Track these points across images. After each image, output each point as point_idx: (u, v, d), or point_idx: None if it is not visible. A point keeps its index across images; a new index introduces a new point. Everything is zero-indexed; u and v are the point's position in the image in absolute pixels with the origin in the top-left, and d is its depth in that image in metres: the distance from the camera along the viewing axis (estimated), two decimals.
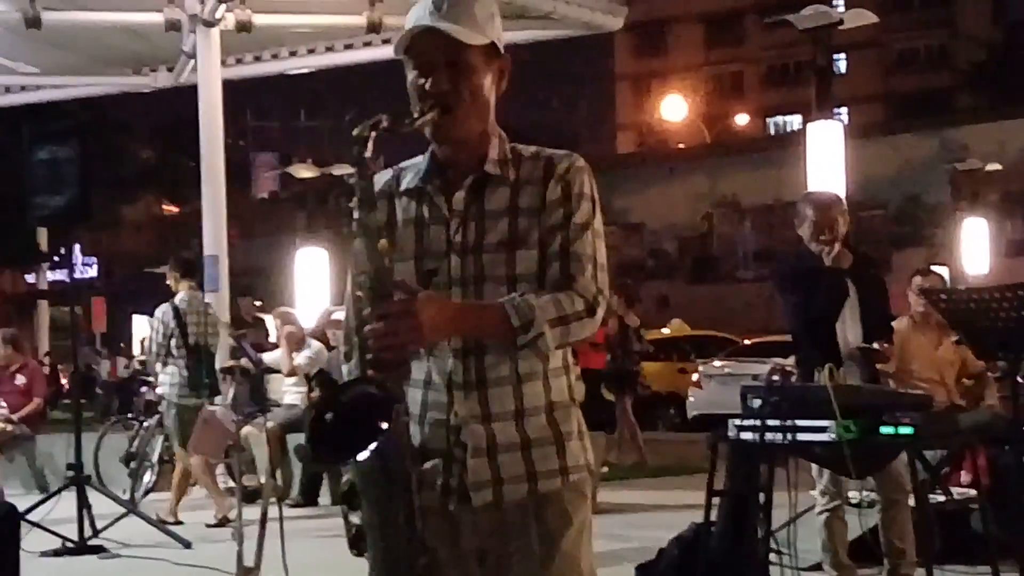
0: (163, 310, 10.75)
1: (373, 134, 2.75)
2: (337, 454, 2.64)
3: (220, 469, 12.52)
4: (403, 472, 2.66)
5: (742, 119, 58.70)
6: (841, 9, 18.37)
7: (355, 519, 2.74)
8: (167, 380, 10.78)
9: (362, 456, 2.55)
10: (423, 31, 2.84)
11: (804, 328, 6.72)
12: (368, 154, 2.75)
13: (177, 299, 10.73)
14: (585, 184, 2.88)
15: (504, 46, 2.93)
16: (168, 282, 10.89)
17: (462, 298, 2.81)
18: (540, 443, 2.84)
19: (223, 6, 11.51)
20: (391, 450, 2.62)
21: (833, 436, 5.65)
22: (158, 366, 10.92)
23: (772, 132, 60.89)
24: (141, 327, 33.72)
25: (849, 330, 6.69)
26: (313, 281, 18.09)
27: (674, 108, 54.29)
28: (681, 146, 50.75)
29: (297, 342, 12.12)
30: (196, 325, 10.75)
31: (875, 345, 6.69)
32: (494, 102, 2.92)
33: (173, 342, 10.67)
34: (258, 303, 20.59)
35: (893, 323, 7.66)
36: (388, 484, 2.67)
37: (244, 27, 11.75)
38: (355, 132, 2.77)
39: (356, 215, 2.73)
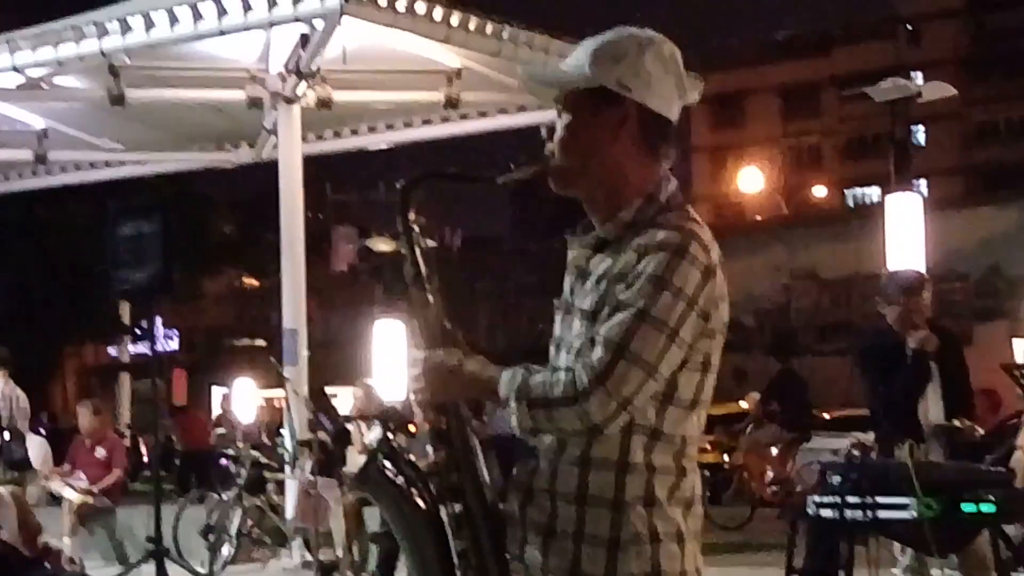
0: None
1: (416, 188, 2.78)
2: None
3: (297, 542, 12.55)
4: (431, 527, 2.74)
5: (820, 191, 58.41)
6: (920, 81, 18.30)
7: None
8: None
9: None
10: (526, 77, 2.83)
11: (884, 405, 6.65)
12: (412, 204, 2.79)
13: None
14: (655, 264, 2.57)
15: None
16: None
17: (557, 357, 2.73)
18: (569, 537, 2.63)
19: (304, 83, 11.67)
20: (393, 498, 2.77)
21: (914, 514, 5.59)
22: None
23: (851, 204, 60.50)
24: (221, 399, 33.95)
25: (931, 407, 6.62)
26: (391, 353, 18.14)
27: (751, 180, 54.16)
28: (758, 218, 50.56)
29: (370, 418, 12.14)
30: (7, 411, 11.59)
31: (955, 422, 6.62)
32: (627, 154, 2.70)
33: None
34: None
35: None
36: (408, 529, 2.77)
37: (324, 104, 11.89)
38: (401, 184, 2.79)
39: (406, 268, 2.79)
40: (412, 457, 2.84)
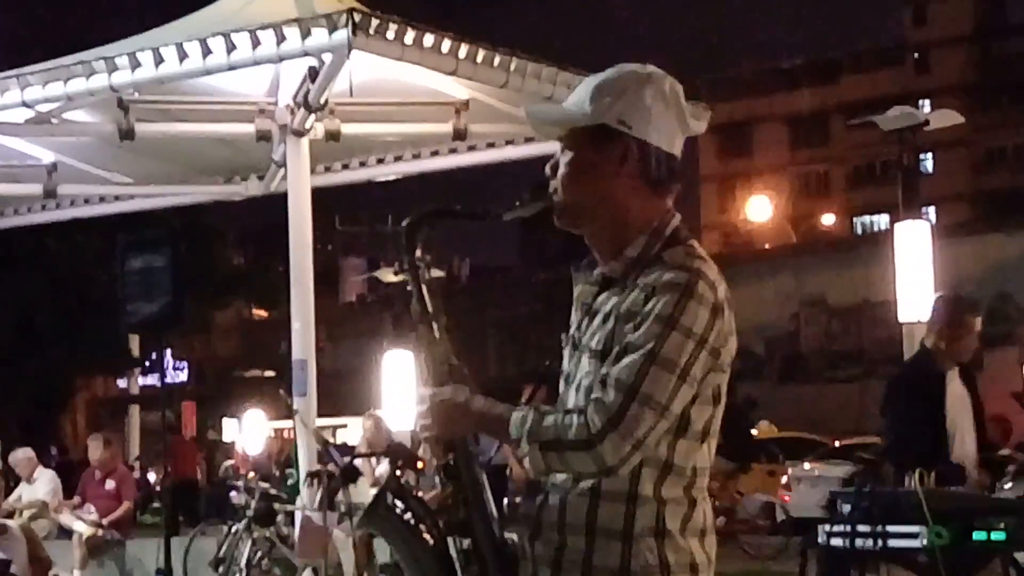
0: None
1: (424, 224, 2.82)
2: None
3: (307, 573, 12.54)
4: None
5: (828, 219, 58.45)
6: (927, 109, 18.32)
7: None
8: None
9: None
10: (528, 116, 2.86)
11: (918, 437, 6.55)
12: (417, 242, 2.82)
13: None
14: (664, 304, 2.58)
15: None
16: None
17: (566, 393, 2.75)
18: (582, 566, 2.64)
19: (313, 116, 11.69)
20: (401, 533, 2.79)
21: (925, 542, 5.58)
22: None
23: (859, 232, 60.52)
24: (231, 431, 33.96)
25: (967, 437, 6.58)
26: (400, 384, 18.14)
27: (759, 208, 54.24)
28: (767, 246, 50.59)
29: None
30: None
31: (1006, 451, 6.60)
32: (630, 191, 2.71)
33: None
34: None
35: None
36: (417, 566, 2.78)
37: (333, 136, 11.91)
38: (406, 221, 2.82)
39: (412, 305, 2.81)
40: (421, 493, 2.88)
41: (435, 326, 2.81)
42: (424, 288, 2.82)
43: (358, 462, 12.01)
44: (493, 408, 2.69)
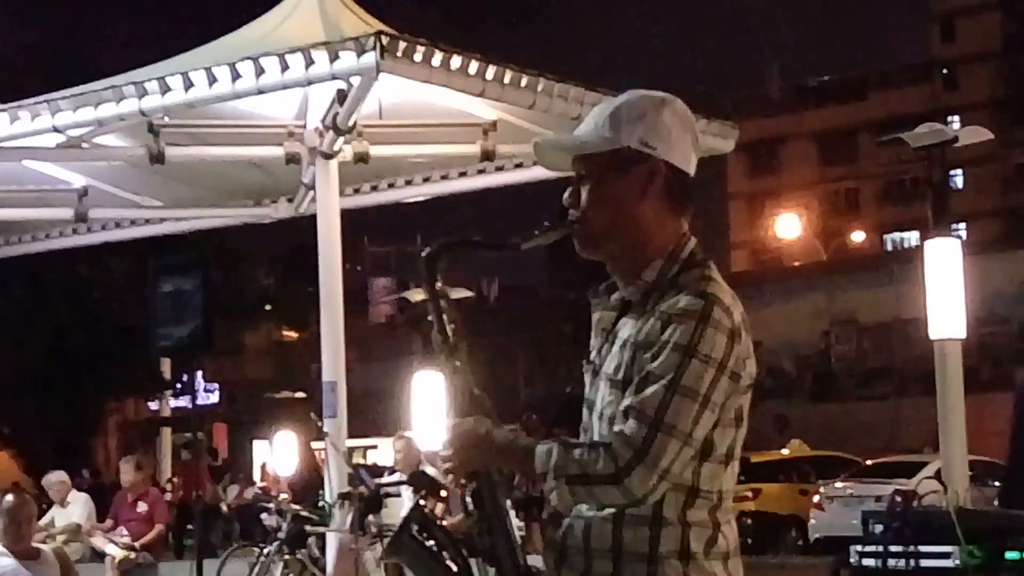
0: None
1: (443, 255, 2.82)
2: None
3: None
4: None
5: (858, 236, 58.25)
6: (956, 126, 18.26)
7: None
8: None
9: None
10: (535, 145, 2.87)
11: None
12: (438, 274, 2.82)
13: None
14: (682, 332, 2.59)
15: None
16: None
17: (590, 421, 2.76)
18: None
19: (341, 139, 11.74)
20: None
21: (957, 562, 5.57)
22: None
23: (889, 248, 60.28)
24: (262, 452, 34.02)
25: None
26: (430, 405, 18.11)
27: (789, 226, 54.09)
28: (797, 264, 50.44)
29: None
30: None
31: None
32: (654, 212, 2.73)
33: None
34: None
35: None
36: None
37: (361, 159, 11.95)
38: (425, 252, 2.83)
39: (433, 335, 2.81)
40: (445, 521, 2.88)
41: (456, 357, 2.80)
42: (445, 319, 2.82)
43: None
44: (517, 440, 2.69)
